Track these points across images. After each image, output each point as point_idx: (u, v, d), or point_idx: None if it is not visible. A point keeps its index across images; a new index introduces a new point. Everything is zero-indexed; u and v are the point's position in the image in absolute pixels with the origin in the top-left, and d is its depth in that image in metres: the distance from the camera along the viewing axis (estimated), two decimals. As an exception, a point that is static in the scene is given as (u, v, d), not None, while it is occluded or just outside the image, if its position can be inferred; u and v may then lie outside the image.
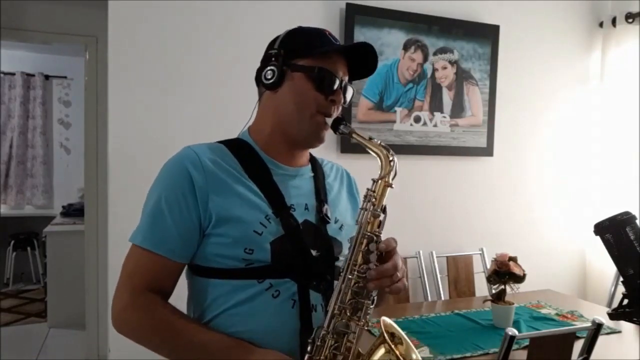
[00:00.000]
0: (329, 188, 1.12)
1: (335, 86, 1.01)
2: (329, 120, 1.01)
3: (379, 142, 0.99)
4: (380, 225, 0.95)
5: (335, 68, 1.01)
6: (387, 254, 0.93)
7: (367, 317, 0.93)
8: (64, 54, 5.07)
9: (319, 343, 0.91)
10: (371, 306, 0.93)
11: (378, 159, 0.98)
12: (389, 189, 0.97)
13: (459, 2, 2.80)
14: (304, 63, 1.01)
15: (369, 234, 0.94)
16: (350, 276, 0.92)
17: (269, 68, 1.03)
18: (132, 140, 2.21)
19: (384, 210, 0.96)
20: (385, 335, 0.91)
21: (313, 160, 1.15)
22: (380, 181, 0.97)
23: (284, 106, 1.02)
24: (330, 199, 1.10)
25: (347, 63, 1.05)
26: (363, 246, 0.93)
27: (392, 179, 0.97)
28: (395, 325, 0.99)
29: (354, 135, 1.00)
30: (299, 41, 1.04)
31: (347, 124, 1.01)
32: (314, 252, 0.99)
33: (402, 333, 0.98)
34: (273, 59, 1.03)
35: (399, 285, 0.93)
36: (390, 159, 0.97)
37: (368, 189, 0.98)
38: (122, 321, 0.95)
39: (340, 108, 1.05)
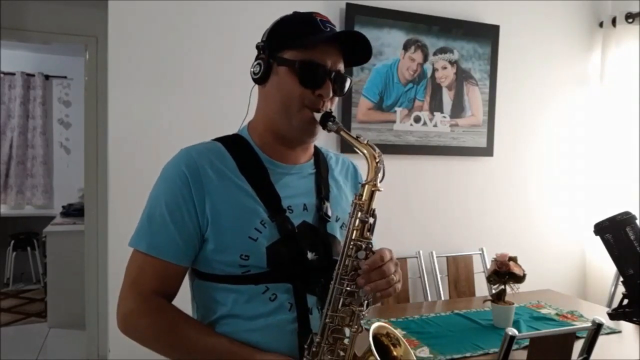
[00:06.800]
0: (332, 183, 1.10)
1: (322, 80, 0.95)
2: (318, 116, 0.96)
3: (366, 140, 0.94)
4: (371, 229, 0.93)
5: (323, 58, 0.95)
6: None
7: (360, 322, 0.92)
8: (64, 54, 5.07)
9: (314, 349, 0.91)
10: (364, 312, 0.92)
11: (365, 159, 0.93)
12: (377, 192, 0.93)
13: (459, 2, 2.80)
14: (288, 56, 0.95)
15: (357, 241, 0.92)
16: (339, 286, 0.91)
17: (256, 61, 1.00)
18: (132, 140, 2.21)
19: (372, 214, 0.93)
20: (372, 345, 0.89)
21: (317, 154, 1.11)
22: (367, 185, 0.93)
23: (271, 102, 0.99)
24: (333, 196, 1.08)
25: (341, 50, 0.98)
26: (353, 252, 0.92)
27: (380, 181, 0.93)
28: (389, 327, 0.98)
29: (341, 133, 0.95)
30: (284, 31, 0.99)
31: (336, 120, 0.95)
32: (310, 255, 0.99)
33: (397, 333, 0.98)
34: (261, 51, 1.00)
35: (390, 291, 0.90)
36: (377, 160, 0.92)
37: (355, 194, 0.94)
38: (128, 325, 0.95)
39: (334, 101, 1.00)
